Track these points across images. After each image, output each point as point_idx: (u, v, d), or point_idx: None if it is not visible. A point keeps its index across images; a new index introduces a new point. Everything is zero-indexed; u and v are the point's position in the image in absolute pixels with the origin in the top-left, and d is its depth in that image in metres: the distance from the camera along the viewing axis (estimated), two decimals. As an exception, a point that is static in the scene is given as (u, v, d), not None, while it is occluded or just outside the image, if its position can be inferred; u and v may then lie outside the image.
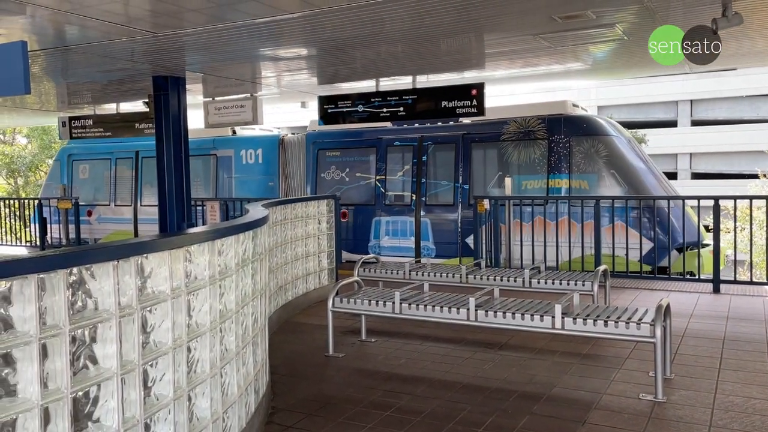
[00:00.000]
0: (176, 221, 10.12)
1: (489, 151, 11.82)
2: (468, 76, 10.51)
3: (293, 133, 14.53)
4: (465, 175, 11.80)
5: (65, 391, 2.41)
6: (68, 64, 8.80)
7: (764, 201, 9.31)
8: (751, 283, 8.63)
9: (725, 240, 13.21)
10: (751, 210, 9.61)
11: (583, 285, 6.57)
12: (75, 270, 2.51)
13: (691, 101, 34.66)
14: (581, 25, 7.17)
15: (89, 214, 15.69)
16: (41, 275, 2.34)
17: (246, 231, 3.99)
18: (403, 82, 10.57)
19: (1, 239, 15.81)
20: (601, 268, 6.82)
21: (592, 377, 5.09)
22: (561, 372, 5.24)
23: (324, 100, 10.69)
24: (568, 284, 6.65)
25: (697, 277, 9.76)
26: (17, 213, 16.40)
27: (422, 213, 12.11)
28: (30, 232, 15.97)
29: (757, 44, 8.61)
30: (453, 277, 7.38)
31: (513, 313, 5.11)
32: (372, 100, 10.24)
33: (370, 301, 5.87)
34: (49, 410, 2.35)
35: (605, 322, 4.74)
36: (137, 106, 12.38)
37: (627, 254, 9.51)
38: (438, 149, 12.16)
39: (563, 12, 6.67)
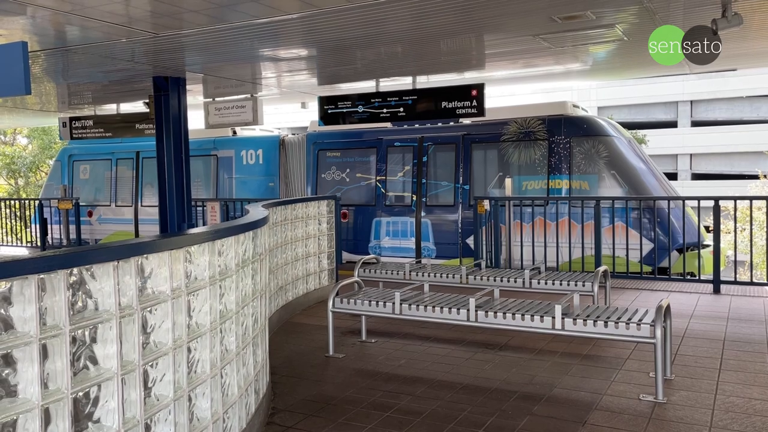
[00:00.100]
0: (177, 222, 10.13)
1: (489, 151, 11.82)
2: (468, 77, 10.52)
3: (293, 134, 14.54)
4: (465, 175, 11.80)
5: (65, 391, 2.41)
6: (69, 64, 8.81)
7: (764, 201, 9.32)
8: (751, 283, 8.63)
9: (725, 240, 13.20)
10: (751, 211, 9.61)
11: (584, 286, 6.57)
12: (75, 270, 2.51)
13: (691, 102, 34.67)
14: (581, 25, 7.17)
15: (90, 214, 15.70)
16: (41, 275, 2.34)
17: (246, 231, 3.99)
18: (403, 82, 10.57)
19: (2, 240, 15.81)
20: (602, 268, 6.81)
21: (593, 378, 5.09)
22: (561, 373, 5.23)
23: (324, 101, 10.70)
24: (569, 285, 6.65)
25: (697, 277, 9.76)
26: (18, 213, 16.42)
27: (422, 213, 12.11)
28: (31, 232, 15.98)
29: (757, 45, 8.61)
30: (453, 277, 7.38)
31: (513, 314, 5.11)
32: (372, 100, 10.24)
33: (370, 301, 5.87)
34: (50, 411, 2.36)
35: (605, 322, 4.74)
36: (138, 106, 12.40)
37: (627, 255, 9.51)
38: (438, 150, 12.16)
39: (563, 13, 6.67)
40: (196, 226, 11.25)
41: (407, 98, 9.96)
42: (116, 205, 15.52)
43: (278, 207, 7.32)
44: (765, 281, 8.77)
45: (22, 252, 15.03)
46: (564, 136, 11.00)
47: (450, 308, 5.42)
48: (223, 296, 3.56)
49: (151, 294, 2.92)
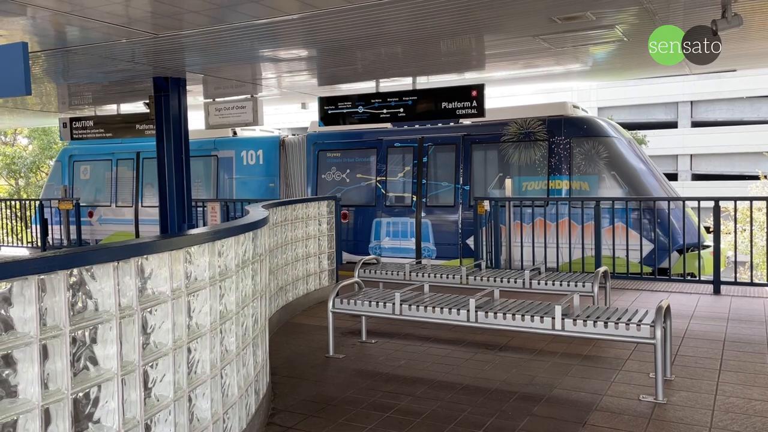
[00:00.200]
0: (177, 222, 10.13)
1: (489, 152, 11.82)
2: (468, 78, 10.53)
3: (294, 134, 14.55)
4: (465, 176, 11.80)
5: (66, 392, 2.41)
6: (69, 65, 8.82)
7: (764, 202, 9.31)
8: (751, 284, 8.63)
9: (726, 241, 13.21)
10: (751, 211, 9.61)
11: (584, 286, 6.57)
12: (75, 271, 2.51)
13: (692, 102, 34.67)
14: (581, 26, 7.17)
15: (90, 215, 15.71)
16: (41, 276, 2.34)
17: (246, 232, 3.99)
18: (404, 83, 10.58)
19: (3, 240, 15.82)
20: (602, 269, 6.81)
21: (593, 378, 5.09)
22: (561, 373, 5.23)
23: (324, 102, 10.70)
24: (569, 285, 6.65)
25: (697, 278, 9.76)
26: (18, 214, 16.43)
27: (423, 214, 12.11)
28: (31, 233, 16.00)
29: (758, 45, 8.61)
30: (453, 278, 7.38)
31: (513, 315, 5.11)
32: (372, 101, 10.25)
33: (370, 302, 5.87)
34: (50, 411, 2.36)
35: (605, 323, 4.75)
36: (138, 107, 12.40)
37: (627, 255, 9.51)
38: (438, 150, 12.17)
39: (563, 13, 6.68)
40: (197, 227, 11.26)
41: (407, 99, 9.97)
42: (117, 206, 15.53)
43: (278, 207, 7.32)
44: (765, 282, 8.77)
45: (22, 252, 15.03)
46: (564, 136, 11.00)
47: (450, 309, 5.42)
48: (223, 297, 3.56)
49: (151, 294, 2.92)
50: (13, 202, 17.03)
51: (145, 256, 2.88)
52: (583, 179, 10.85)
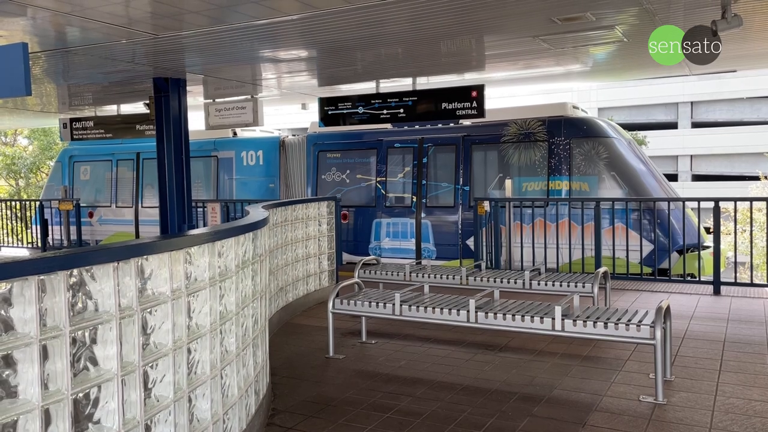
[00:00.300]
0: (177, 222, 10.13)
1: (489, 152, 11.82)
2: (468, 78, 10.53)
3: (294, 135, 14.55)
4: (465, 176, 11.80)
5: (66, 392, 2.41)
6: (69, 65, 8.82)
7: (764, 203, 9.31)
8: (751, 284, 8.63)
9: (726, 242, 13.21)
10: (751, 212, 9.61)
11: (584, 287, 6.57)
12: (75, 271, 2.51)
13: (692, 103, 34.68)
14: (581, 27, 7.18)
15: (90, 215, 15.71)
16: (41, 277, 2.34)
17: (246, 233, 3.99)
18: (404, 83, 10.58)
19: (3, 241, 15.82)
20: (602, 270, 6.82)
21: (593, 379, 5.09)
22: (561, 374, 5.24)
23: (324, 102, 10.71)
24: (569, 286, 6.65)
25: (697, 279, 9.76)
26: (18, 214, 16.43)
27: (423, 215, 12.12)
28: (31, 233, 16.00)
29: (758, 46, 8.61)
30: (453, 278, 7.38)
31: (513, 315, 5.11)
32: (372, 101, 10.26)
33: (370, 302, 5.87)
34: (50, 411, 2.36)
35: (605, 324, 4.75)
36: (138, 107, 12.41)
37: (627, 256, 9.51)
38: (438, 151, 12.17)
39: (563, 14, 6.68)
40: (197, 227, 11.26)
41: (407, 99, 9.97)
42: (117, 206, 15.53)
43: (278, 208, 7.32)
44: (765, 282, 8.76)
45: (22, 253, 15.04)
46: (564, 137, 11.00)
47: (450, 309, 5.42)
48: (223, 297, 3.56)
49: (151, 295, 2.92)
50: (13, 203, 17.04)
51: (145, 257, 2.88)
52: (583, 180, 10.86)
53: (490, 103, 9.59)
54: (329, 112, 10.66)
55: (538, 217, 10.42)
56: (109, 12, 6.20)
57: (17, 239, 16.03)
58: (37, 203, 15.18)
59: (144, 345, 2.84)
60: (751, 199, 9.23)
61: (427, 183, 12.15)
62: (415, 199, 12.20)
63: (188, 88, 10.22)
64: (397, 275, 7.70)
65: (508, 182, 10.60)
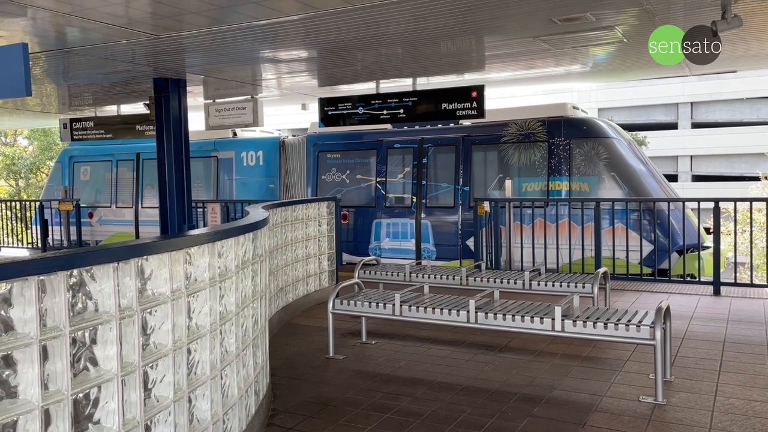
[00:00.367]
0: (177, 223, 10.13)
1: (489, 153, 11.82)
2: (468, 78, 10.53)
3: (294, 135, 14.55)
4: (465, 177, 11.80)
5: (66, 392, 2.41)
6: (69, 66, 8.82)
7: (764, 203, 9.31)
8: (751, 285, 8.63)
9: (725, 242, 13.21)
10: (751, 212, 9.60)
11: (583, 287, 6.57)
12: (75, 272, 2.51)
13: (692, 103, 34.68)
14: (581, 27, 7.18)
15: (90, 215, 15.71)
16: (41, 277, 2.34)
17: (246, 233, 3.99)
18: (404, 84, 10.59)
19: (3, 241, 15.82)
20: (601, 270, 6.82)
21: (592, 379, 5.10)
22: (561, 374, 5.24)
23: (324, 102, 10.71)
24: (568, 286, 6.65)
25: (697, 279, 9.76)
26: (19, 215, 16.43)
27: (423, 215, 12.12)
28: (31, 234, 16.00)
29: (758, 47, 8.62)
30: (453, 279, 7.38)
31: (513, 316, 5.11)
32: (372, 102, 10.26)
33: (370, 303, 5.87)
34: (50, 412, 2.36)
35: (605, 324, 4.75)
36: (138, 108, 12.41)
37: (627, 256, 9.51)
38: (438, 151, 12.17)
39: (563, 14, 6.68)
40: (197, 228, 11.26)
41: (407, 100, 9.98)
42: (117, 207, 15.53)
43: (278, 208, 7.32)
44: (765, 283, 8.76)
45: (22, 253, 15.04)
46: (564, 137, 11.00)
47: (450, 310, 5.42)
48: (223, 298, 3.56)
49: (151, 295, 2.92)
50: (13, 203, 17.04)
51: (145, 257, 2.88)
52: (583, 180, 10.86)
53: (490, 104, 9.59)
54: (329, 113, 10.67)
55: (538, 217, 10.42)
56: (109, 12, 6.20)
57: (17, 240, 16.03)
58: (37, 204, 15.18)
59: (144, 345, 2.84)
60: (751, 200, 9.23)
61: (427, 183, 12.15)
62: (415, 200, 12.20)
63: (188, 88, 10.22)
64: (397, 276, 7.71)
65: (508, 182, 10.60)
